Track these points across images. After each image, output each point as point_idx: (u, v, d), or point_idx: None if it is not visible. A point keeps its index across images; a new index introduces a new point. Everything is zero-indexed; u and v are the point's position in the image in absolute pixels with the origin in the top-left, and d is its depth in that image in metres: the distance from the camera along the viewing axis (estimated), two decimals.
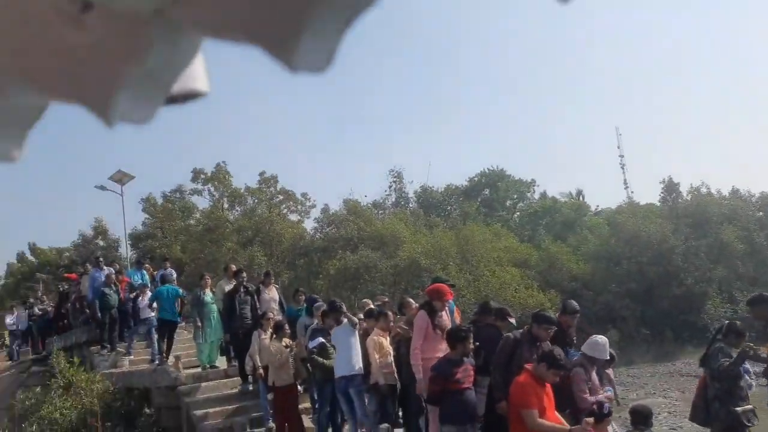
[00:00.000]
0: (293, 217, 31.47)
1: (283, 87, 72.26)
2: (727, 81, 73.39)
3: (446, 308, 6.35)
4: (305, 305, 9.18)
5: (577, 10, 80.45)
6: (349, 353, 6.89)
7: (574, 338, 7.17)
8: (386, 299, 8.72)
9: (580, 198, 43.34)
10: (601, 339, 6.28)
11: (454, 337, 5.49)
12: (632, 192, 44.22)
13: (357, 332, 7.04)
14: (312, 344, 7.50)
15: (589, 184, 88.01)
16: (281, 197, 31.36)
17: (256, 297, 9.52)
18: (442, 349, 5.96)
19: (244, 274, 9.91)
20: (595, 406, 4.85)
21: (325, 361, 7.34)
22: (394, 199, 38.45)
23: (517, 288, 25.72)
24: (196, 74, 0.62)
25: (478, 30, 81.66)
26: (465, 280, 25.14)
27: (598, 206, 42.07)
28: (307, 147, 70.27)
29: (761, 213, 30.71)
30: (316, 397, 8.05)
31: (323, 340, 7.44)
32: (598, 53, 79.80)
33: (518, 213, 42.87)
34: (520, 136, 73.60)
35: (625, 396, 17.29)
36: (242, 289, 9.38)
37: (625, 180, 46.80)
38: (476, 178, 42.95)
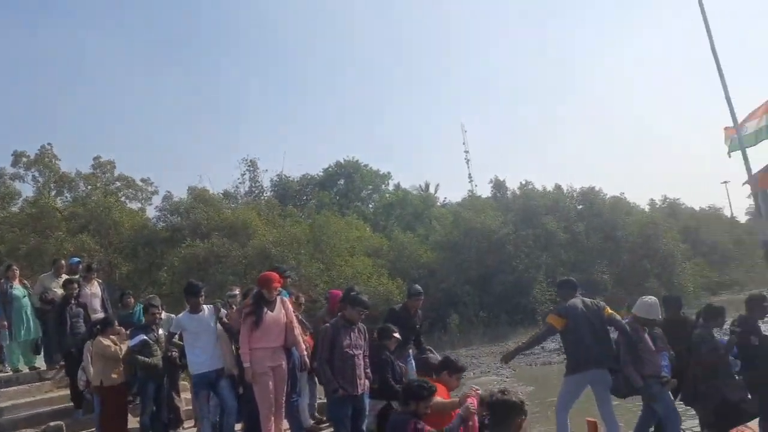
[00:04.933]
0: (133, 206, 29.40)
1: (122, 65, 67.18)
2: (555, 91, 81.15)
3: (280, 297, 6.27)
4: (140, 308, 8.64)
5: (434, 11, 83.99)
6: (215, 342, 6.53)
7: (419, 325, 7.52)
8: (237, 290, 8.45)
9: (429, 190, 45.56)
10: (652, 299, 6.24)
11: (412, 394, 4.53)
12: (476, 185, 47.61)
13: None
14: (133, 342, 7.13)
15: (442, 178, 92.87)
16: (119, 184, 29.12)
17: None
18: (271, 338, 5.94)
19: (76, 285, 8.85)
20: None
21: (146, 359, 7.03)
22: (247, 188, 37.53)
23: (369, 276, 26.33)
24: None
25: (335, 21, 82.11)
26: (317, 269, 25.24)
27: (445, 198, 44.68)
28: (155, 132, 66.15)
29: (581, 206, 34.41)
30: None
31: (145, 337, 7.14)
32: (450, 50, 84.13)
33: (373, 204, 43.89)
34: (377, 129, 75.56)
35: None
36: (74, 301, 8.52)
37: (469, 174, 50.36)
38: (332, 169, 43.25)
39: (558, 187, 35.27)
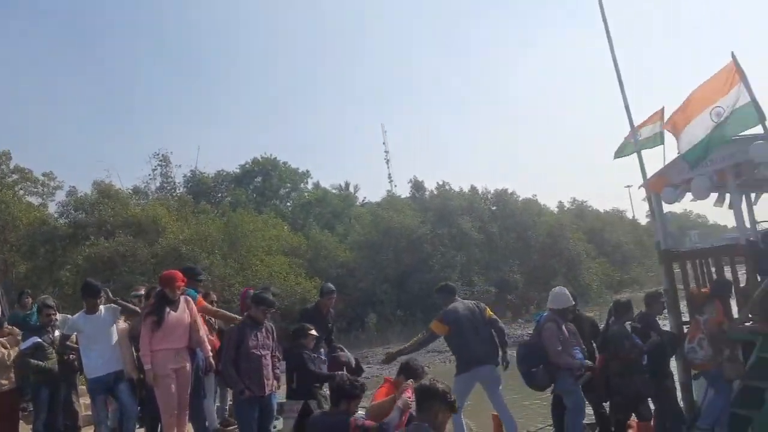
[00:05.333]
0: (33, 200, 27.33)
1: (32, 55, 62.78)
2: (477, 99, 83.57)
3: (184, 297, 6.02)
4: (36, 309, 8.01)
5: (354, 11, 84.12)
6: (113, 345, 6.17)
7: (331, 323, 7.45)
8: (142, 290, 8.01)
9: (349, 190, 45.57)
10: (559, 288, 6.46)
11: (344, 393, 4.33)
12: (395, 186, 48.15)
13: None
14: (25, 345, 6.71)
15: (362, 177, 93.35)
16: (15, 176, 26.98)
17: None
18: (174, 339, 5.70)
19: None
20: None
21: (39, 363, 6.64)
22: (158, 184, 35.80)
23: (286, 276, 25.93)
24: None
25: (257, 18, 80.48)
26: (232, 268, 24.56)
27: (365, 198, 44.81)
28: (61, 127, 62.24)
29: (495, 207, 35.61)
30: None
31: (39, 339, 6.74)
32: (371, 50, 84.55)
33: (291, 202, 43.27)
34: (297, 128, 74.74)
35: (379, 374, 18.60)
36: None
37: (389, 174, 50.85)
38: (248, 166, 42.22)
39: (473, 189, 36.37)
